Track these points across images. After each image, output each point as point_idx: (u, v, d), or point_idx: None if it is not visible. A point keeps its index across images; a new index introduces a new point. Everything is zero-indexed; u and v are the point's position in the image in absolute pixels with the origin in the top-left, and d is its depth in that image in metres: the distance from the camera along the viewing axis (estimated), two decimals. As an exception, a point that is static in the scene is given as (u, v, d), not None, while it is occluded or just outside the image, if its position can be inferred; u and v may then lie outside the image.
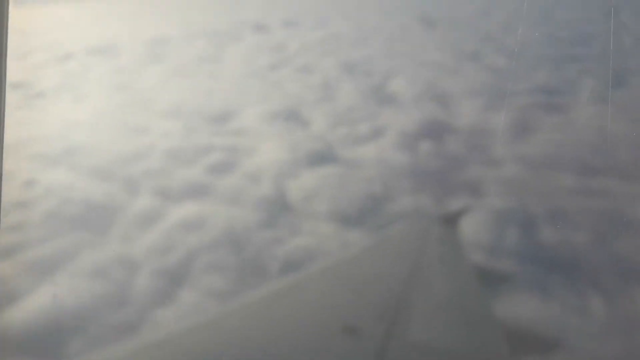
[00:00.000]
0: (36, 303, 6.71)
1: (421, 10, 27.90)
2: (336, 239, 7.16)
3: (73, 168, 10.13)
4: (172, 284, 6.52)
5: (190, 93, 15.55)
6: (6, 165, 10.50)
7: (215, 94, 15.24)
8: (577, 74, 14.38)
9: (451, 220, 5.93)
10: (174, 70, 18.25)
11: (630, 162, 8.49)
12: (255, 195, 8.82)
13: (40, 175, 9.87)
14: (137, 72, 18.24)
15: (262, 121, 12.42)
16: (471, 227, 7.40)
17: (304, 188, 8.80)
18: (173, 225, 8.09)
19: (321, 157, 9.85)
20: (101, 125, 12.75)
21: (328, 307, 3.47)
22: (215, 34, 23.41)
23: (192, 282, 6.45)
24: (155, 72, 18.34)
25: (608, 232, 7.05)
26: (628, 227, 7.07)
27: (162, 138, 11.63)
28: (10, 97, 14.64)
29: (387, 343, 2.82)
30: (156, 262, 7.37)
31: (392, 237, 5.98)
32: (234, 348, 2.71)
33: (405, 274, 4.12)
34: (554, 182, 8.28)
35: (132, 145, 11.39)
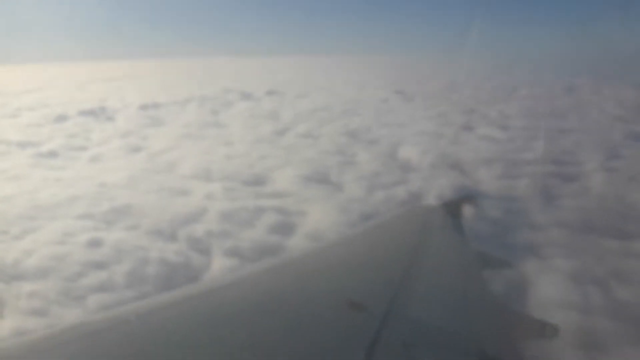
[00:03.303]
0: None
1: (392, 84, 29.49)
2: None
3: (132, 228, 9.99)
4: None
5: (209, 157, 15.68)
6: (59, 225, 10.20)
7: (237, 159, 15.49)
8: (572, 145, 15.92)
9: (454, 207, 6.27)
10: (179, 134, 18.30)
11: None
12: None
13: (102, 234, 9.64)
14: (142, 135, 18.13)
15: (297, 184, 12.86)
16: (548, 288, 8.20)
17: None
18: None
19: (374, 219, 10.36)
20: (137, 187, 12.60)
21: (335, 282, 3.75)
22: (203, 100, 23.72)
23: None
24: (160, 135, 18.30)
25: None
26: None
27: (207, 200, 11.73)
28: (20, 155, 14.19)
29: (389, 319, 3.09)
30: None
31: (398, 219, 6.17)
32: (242, 315, 2.98)
33: (409, 255, 4.32)
34: (601, 245, 9.26)
35: (180, 206, 11.39)
